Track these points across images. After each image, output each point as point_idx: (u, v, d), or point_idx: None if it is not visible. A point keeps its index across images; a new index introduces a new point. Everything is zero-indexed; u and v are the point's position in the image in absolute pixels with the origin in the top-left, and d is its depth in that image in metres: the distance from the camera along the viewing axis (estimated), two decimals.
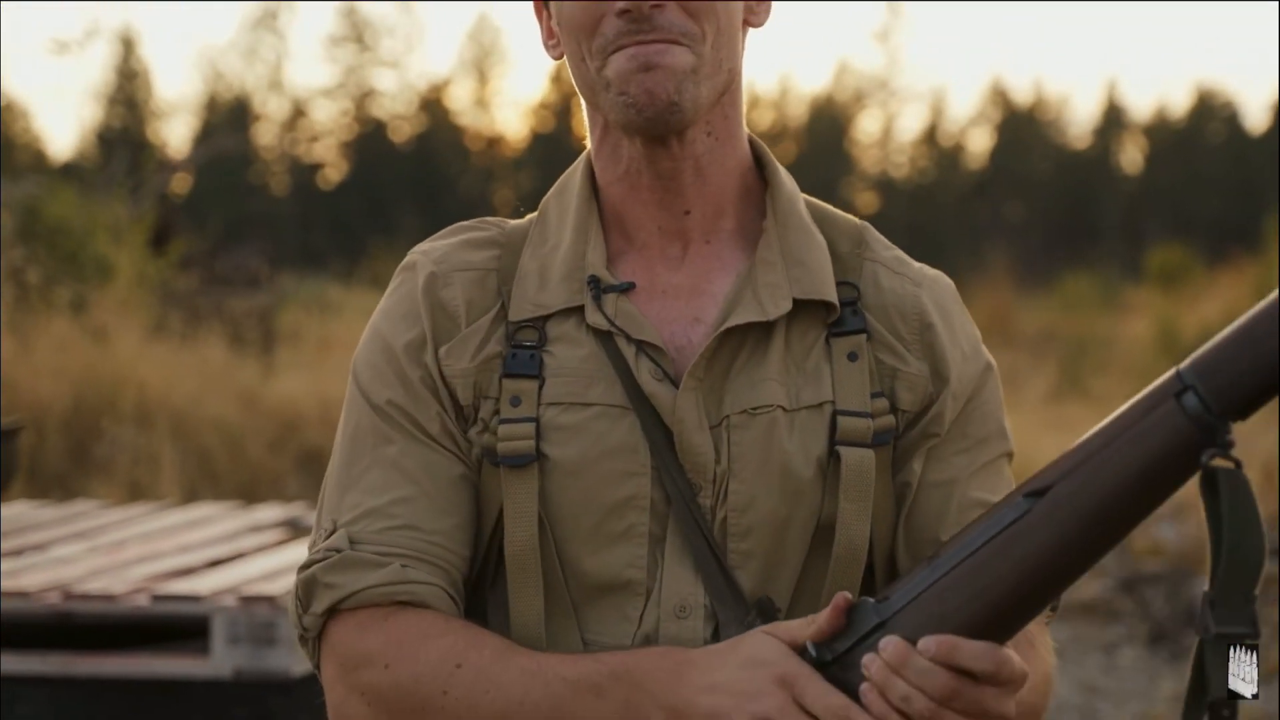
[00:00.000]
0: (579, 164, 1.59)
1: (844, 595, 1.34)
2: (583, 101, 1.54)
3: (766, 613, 1.43)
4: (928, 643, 1.27)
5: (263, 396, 9.40)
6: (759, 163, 1.59)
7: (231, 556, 3.56)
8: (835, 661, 1.32)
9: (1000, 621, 1.28)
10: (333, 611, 1.44)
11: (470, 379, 1.49)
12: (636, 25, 1.44)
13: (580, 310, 1.49)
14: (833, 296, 1.52)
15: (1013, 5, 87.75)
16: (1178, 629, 6.53)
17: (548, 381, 1.47)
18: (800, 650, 1.34)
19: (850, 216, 1.62)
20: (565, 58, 1.53)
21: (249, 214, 41.68)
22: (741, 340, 1.49)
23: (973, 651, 1.26)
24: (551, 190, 1.59)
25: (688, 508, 1.45)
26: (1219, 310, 13.75)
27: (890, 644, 1.28)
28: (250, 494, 7.22)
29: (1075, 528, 1.24)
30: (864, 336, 1.52)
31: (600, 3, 1.46)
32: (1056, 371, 12.86)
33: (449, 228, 1.60)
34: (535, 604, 1.47)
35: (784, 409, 1.48)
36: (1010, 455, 1.59)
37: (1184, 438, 1.21)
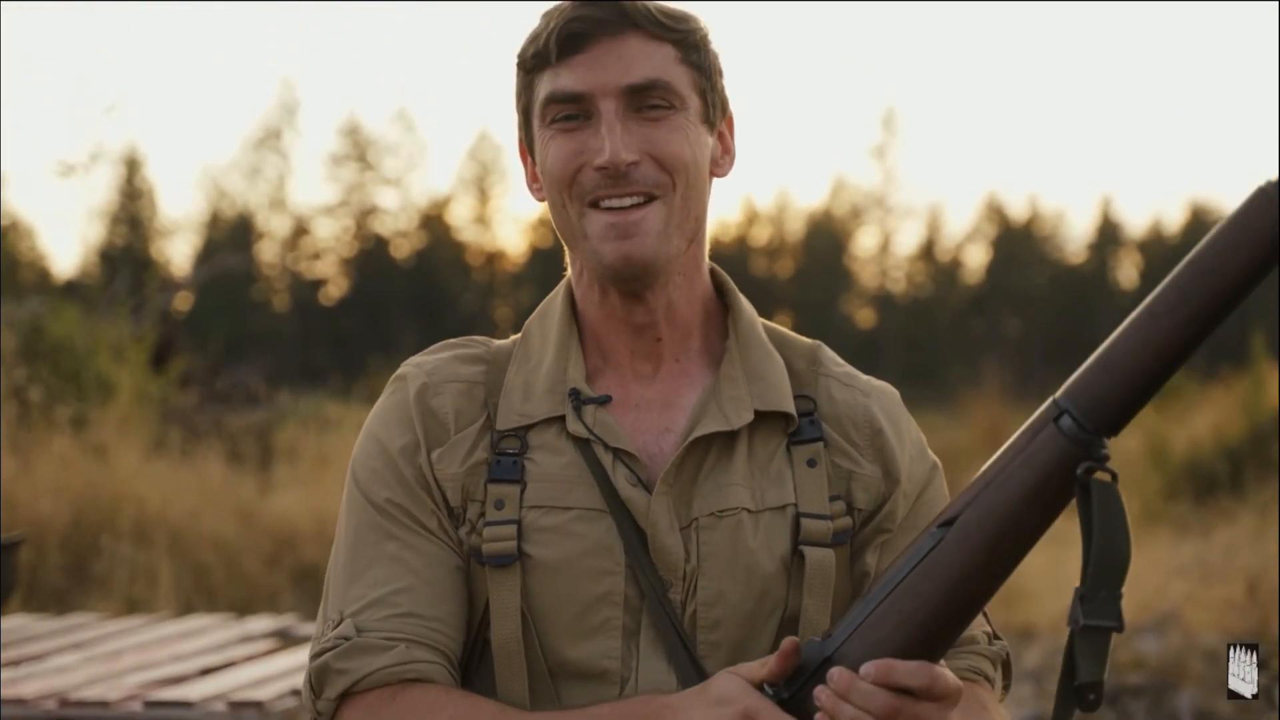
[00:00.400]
0: (560, 289, 1.75)
1: (792, 640, 1.48)
2: (560, 235, 1.70)
3: None
4: (867, 668, 1.42)
5: (259, 512, 9.50)
6: (720, 289, 1.76)
7: (223, 665, 3.66)
8: (792, 697, 1.47)
9: (930, 641, 1.43)
10: (345, 695, 1.57)
11: (459, 483, 1.63)
12: (613, 180, 1.61)
13: (562, 420, 1.64)
14: (791, 408, 1.68)
15: (1007, 122, 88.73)
16: None
17: (530, 486, 1.61)
18: (760, 688, 1.48)
19: (804, 338, 1.78)
20: (546, 202, 1.69)
21: (250, 331, 41.92)
22: (708, 448, 1.64)
23: (907, 670, 1.41)
24: (534, 313, 1.75)
25: (660, 602, 1.60)
26: (1208, 425, 13.85)
27: (835, 674, 1.43)
28: (245, 608, 7.30)
29: (983, 548, 1.40)
30: (821, 444, 1.68)
31: (579, 156, 1.62)
32: None
33: (439, 344, 1.75)
34: (520, 691, 1.60)
35: (749, 511, 1.63)
36: None
37: (1065, 455, 1.36)
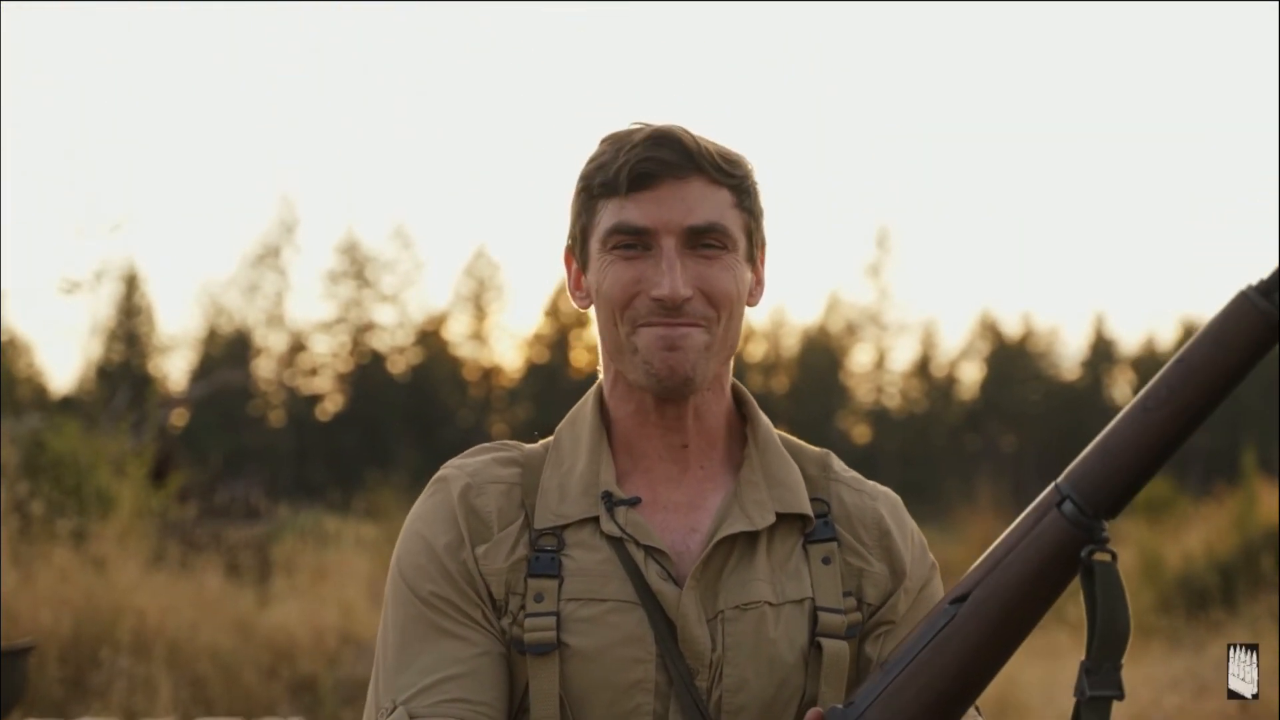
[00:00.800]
0: (590, 396, 1.88)
1: (816, 710, 1.60)
2: (601, 347, 1.83)
3: None
4: None
5: (257, 624, 9.54)
6: (739, 402, 1.90)
7: None
8: None
9: (945, 709, 1.55)
10: None
11: (503, 577, 1.75)
12: (666, 311, 1.75)
13: (596, 520, 1.77)
14: (808, 510, 1.83)
15: (1001, 240, 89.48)
16: None
17: (567, 580, 1.74)
18: None
19: (814, 447, 1.93)
20: (593, 311, 1.82)
21: (246, 446, 41.96)
22: (732, 546, 1.78)
23: None
24: (565, 419, 1.88)
25: (688, 689, 1.72)
26: (1201, 541, 13.91)
27: None
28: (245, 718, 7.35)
29: (994, 623, 1.52)
30: (835, 544, 1.83)
31: (637, 284, 1.75)
32: None
33: (475, 448, 1.88)
34: None
35: (770, 604, 1.77)
36: None
37: (1068, 538, 1.49)
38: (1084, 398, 59.03)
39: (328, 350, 53.98)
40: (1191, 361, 1.45)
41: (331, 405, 53.71)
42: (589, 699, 1.72)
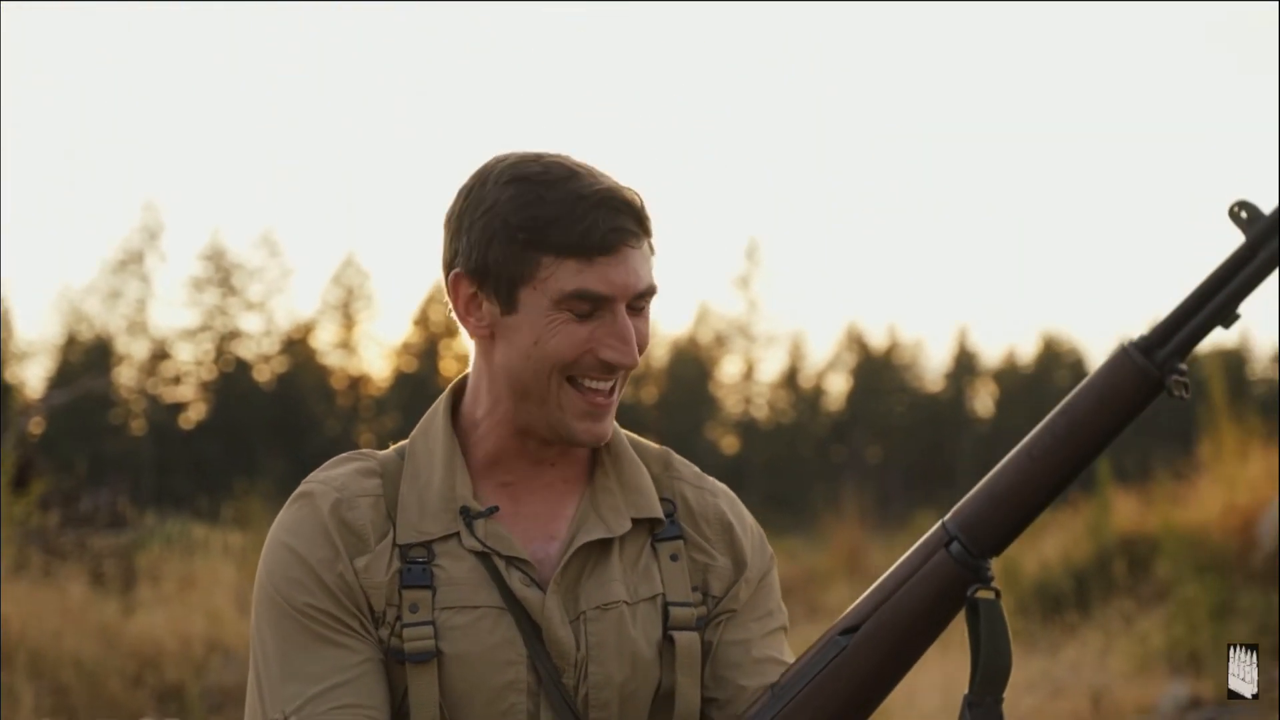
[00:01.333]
0: (441, 406, 1.94)
1: None
2: (496, 380, 1.85)
3: None
4: None
5: (123, 633, 9.43)
6: None
7: None
8: None
9: None
10: None
11: (384, 591, 1.82)
12: (609, 371, 1.83)
13: (458, 534, 1.85)
14: (660, 514, 1.94)
15: (867, 252, 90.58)
16: None
17: (439, 590, 1.82)
18: None
19: (654, 444, 2.04)
20: (499, 341, 1.83)
21: (106, 455, 41.19)
22: (589, 551, 1.89)
23: None
24: (418, 430, 1.94)
25: (556, 687, 1.82)
26: (1057, 548, 14.26)
27: None
28: None
29: (884, 654, 1.65)
30: (681, 541, 1.94)
31: (587, 344, 1.80)
32: None
33: (334, 459, 1.94)
34: None
35: (627, 603, 1.88)
36: (785, 628, 2.01)
37: (954, 577, 1.60)
38: (947, 410, 59.98)
39: (191, 358, 53.17)
40: (1075, 414, 1.54)
41: (195, 414, 52.86)
42: (466, 702, 1.80)
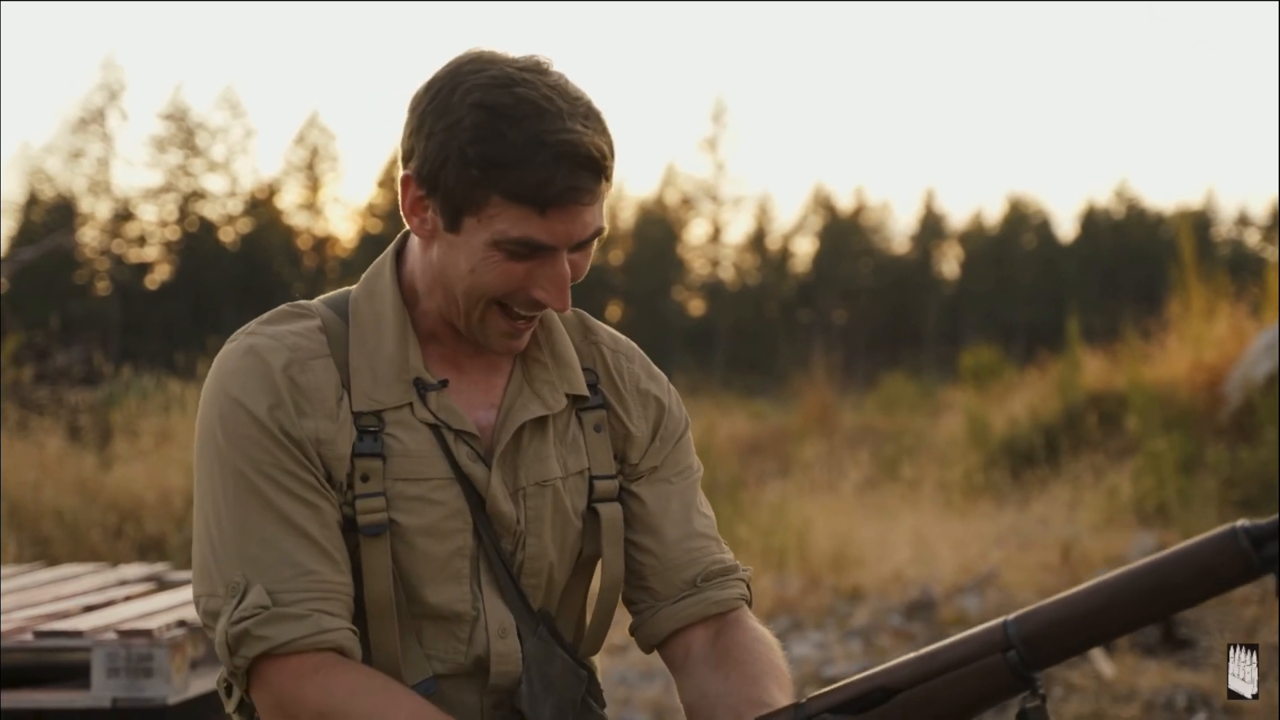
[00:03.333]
0: (387, 269, 1.91)
1: None
2: (430, 273, 1.83)
3: (548, 622, 1.91)
4: None
5: (102, 486, 9.48)
6: None
7: (104, 604, 3.76)
8: None
9: None
10: (263, 655, 1.75)
11: (345, 462, 1.80)
12: (539, 309, 1.82)
13: (410, 405, 1.86)
14: (586, 392, 1.97)
15: (834, 115, 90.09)
16: None
17: (392, 460, 1.83)
18: None
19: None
20: (438, 247, 1.80)
21: (72, 315, 41.01)
22: (527, 426, 1.91)
23: None
24: (361, 291, 1.90)
25: (496, 553, 1.88)
26: (1025, 406, 14.42)
27: None
28: None
29: None
30: (604, 411, 1.99)
31: (522, 281, 1.77)
32: (871, 462, 13.41)
33: (275, 312, 1.88)
34: (392, 640, 1.84)
35: (560, 479, 1.93)
36: (700, 475, 2.07)
37: (1006, 684, 1.61)
38: (913, 272, 60.15)
39: (155, 219, 52.77)
40: (1166, 577, 1.53)
41: (160, 274, 52.61)
42: (419, 569, 1.84)
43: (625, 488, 1.98)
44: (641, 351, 2.07)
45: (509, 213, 1.73)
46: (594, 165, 1.73)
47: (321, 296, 1.95)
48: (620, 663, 6.94)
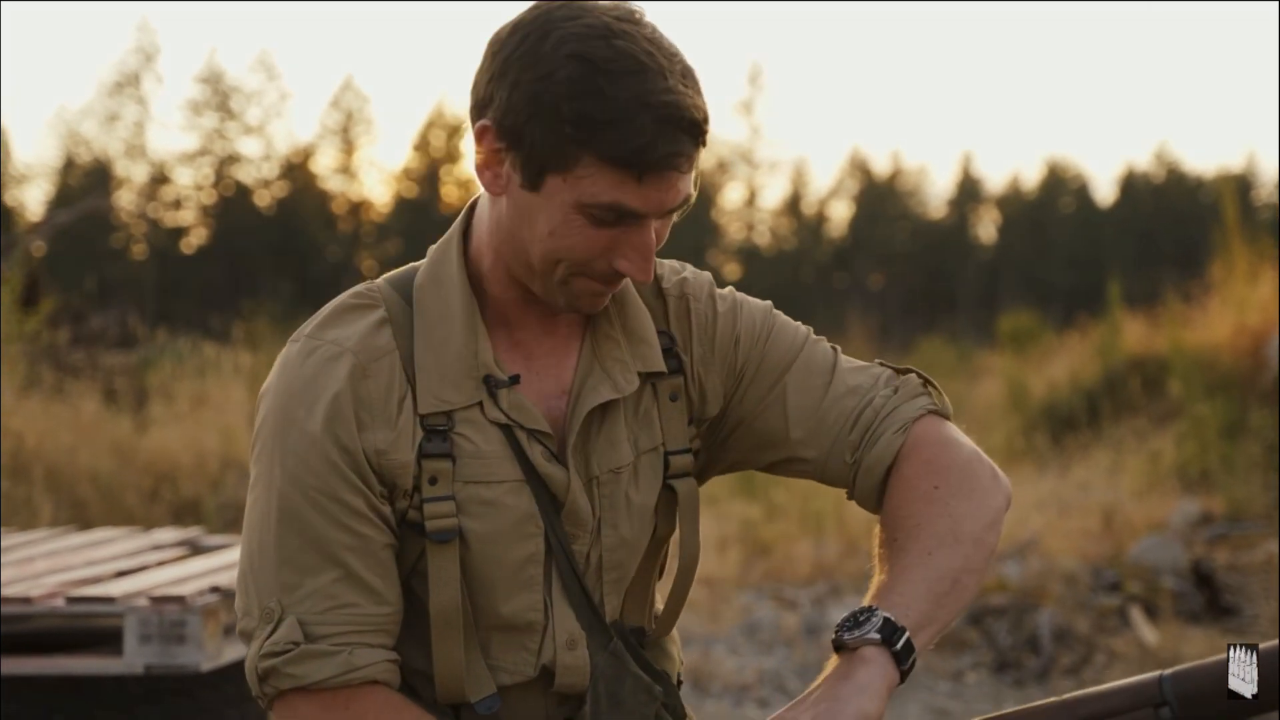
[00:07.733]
0: (453, 256, 1.77)
1: None
2: (499, 237, 1.71)
3: (625, 638, 1.80)
4: None
5: (137, 449, 9.48)
6: None
7: (137, 569, 3.73)
8: None
9: None
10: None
11: (410, 469, 1.69)
12: (620, 280, 1.71)
13: (481, 404, 1.73)
14: (664, 366, 1.82)
15: (871, 80, 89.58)
16: (1020, 657, 6.91)
17: (462, 461, 1.71)
18: None
19: None
20: (511, 206, 1.67)
21: (109, 279, 41.15)
22: (599, 410, 1.79)
23: None
24: (426, 278, 1.77)
25: (566, 556, 1.76)
26: (1065, 370, 14.29)
27: None
28: None
29: None
30: (681, 378, 1.84)
31: (608, 250, 1.66)
32: None
33: (339, 306, 1.76)
34: (457, 653, 1.72)
35: (634, 460, 1.80)
36: (807, 337, 1.92)
37: None
38: (950, 236, 59.80)
39: (191, 182, 52.85)
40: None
41: (196, 238, 52.74)
42: (488, 577, 1.73)
43: (740, 416, 1.86)
44: (706, 278, 1.92)
45: (602, 176, 1.61)
46: (695, 130, 1.62)
47: (387, 276, 1.82)
48: None
